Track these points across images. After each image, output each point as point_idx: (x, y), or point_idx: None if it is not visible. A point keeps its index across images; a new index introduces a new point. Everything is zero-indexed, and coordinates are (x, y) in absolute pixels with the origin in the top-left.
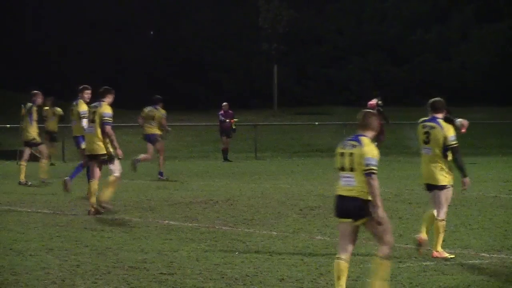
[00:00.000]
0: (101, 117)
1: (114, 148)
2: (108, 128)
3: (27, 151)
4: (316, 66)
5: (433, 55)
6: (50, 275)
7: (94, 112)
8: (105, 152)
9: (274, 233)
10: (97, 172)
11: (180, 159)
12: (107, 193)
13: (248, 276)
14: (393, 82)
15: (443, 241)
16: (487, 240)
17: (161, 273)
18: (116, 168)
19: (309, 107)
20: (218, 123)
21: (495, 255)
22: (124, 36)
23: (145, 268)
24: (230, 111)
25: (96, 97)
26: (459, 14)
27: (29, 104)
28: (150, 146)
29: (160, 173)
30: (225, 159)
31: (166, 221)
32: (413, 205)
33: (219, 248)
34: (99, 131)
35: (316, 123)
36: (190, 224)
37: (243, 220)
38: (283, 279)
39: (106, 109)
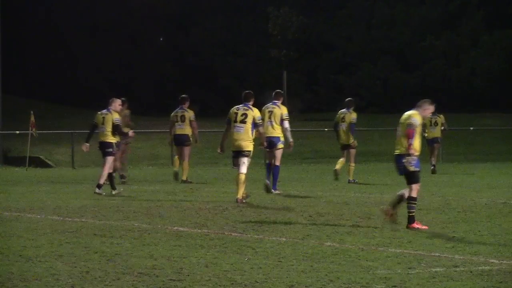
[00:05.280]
0: (257, 120)
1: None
2: (262, 129)
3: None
4: (325, 72)
5: (443, 61)
6: (60, 281)
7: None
8: (250, 149)
9: (284, 239)
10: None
11: (189, 165)
12: (241, 191)
13: (258, 282)
14: (402, 89)
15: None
16: (496, 247)
17: (170, 279)
18: (246, 164)
19: (318, 113)
20: None
21: (505, 261)
22: (134, 43)
23: (154, 274)
24: None
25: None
26: (469, 21)
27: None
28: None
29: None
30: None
31: (176, 227)
32: (423, 212)
33: (229, 255)
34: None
35: (326, 129)
36: (200, 230)
37: (253, 226)
38: (292, 285)
39: (257, 113)
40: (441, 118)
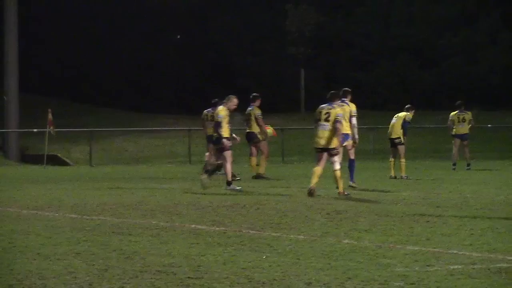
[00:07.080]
0: (336, 116)
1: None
2: (339, 125)
3: None
4: (343, 69)
5: (461, 58)
6: (78, 279)
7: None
8: (335, 146)
9: (302, 237)
10: (324, 162)
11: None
12: (341, 185)
13: (276, 280)
14: (421, 86)
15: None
16: None
17: (188, 277)
18: (338, 161)
19: None
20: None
21: None
22: (152, 40)
23: (172, 272)
24: None
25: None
26: (487, 18)
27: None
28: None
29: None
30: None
31: (193, 225)
32: (441, 209)
33: (246, 252)
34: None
35: None
36: (217, 228)
37: (270, 224)
38: (310, 283)
39: (339, 111)
40: (468, 115)
